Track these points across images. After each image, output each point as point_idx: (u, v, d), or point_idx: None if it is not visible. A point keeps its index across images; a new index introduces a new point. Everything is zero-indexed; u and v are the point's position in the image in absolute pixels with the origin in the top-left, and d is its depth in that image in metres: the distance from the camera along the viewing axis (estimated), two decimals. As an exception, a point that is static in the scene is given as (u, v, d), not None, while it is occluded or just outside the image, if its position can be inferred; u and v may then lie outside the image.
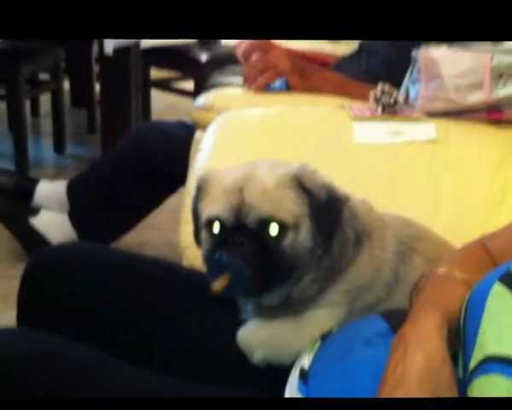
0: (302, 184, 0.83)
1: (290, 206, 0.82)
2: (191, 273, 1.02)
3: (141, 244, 2.31)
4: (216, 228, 0.83)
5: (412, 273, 0.87)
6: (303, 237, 0.83)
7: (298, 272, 0.85)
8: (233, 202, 0.82)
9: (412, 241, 0.91)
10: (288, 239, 0.82)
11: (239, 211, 0.81)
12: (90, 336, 0.92)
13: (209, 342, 0.93)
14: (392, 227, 0.91)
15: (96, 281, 0.96)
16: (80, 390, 0.79)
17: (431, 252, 0.91)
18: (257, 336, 0.88)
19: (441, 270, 0.80)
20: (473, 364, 0.66)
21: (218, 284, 0.81)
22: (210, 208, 0.84)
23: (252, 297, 0.88)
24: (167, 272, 1.00)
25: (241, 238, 0.81)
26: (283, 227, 0.81)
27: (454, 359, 0.70)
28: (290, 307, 0.87)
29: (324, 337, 0.86)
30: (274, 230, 0.81)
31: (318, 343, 0.85)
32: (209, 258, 0.84)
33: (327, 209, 0.83)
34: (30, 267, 0.99)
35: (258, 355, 0.87)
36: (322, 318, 0.87)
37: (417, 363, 0.67)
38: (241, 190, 0.82)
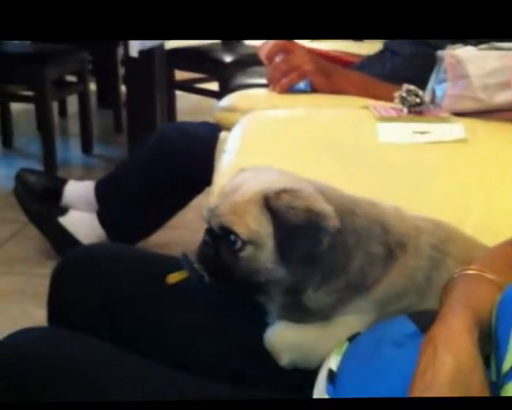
0: (269, 205, 0.81)
1: (250, 223, 0.81)
2: None
3: (168, 243, 2.31)
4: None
5: (445, 277, 0.83)
6: (264, 256, 0.81)
7: (275, 287, 0.84)
8: (211, 205, 0.84)
9: (445, 244, 0.88)
10: (246, 253, 0.81)
11: (213, 213, 0.83)
12: (118, 337, 0.92)
13: (236, 343, 0.92)
14: (425, 233, 0.88)
15: (124, 282, 0.96)
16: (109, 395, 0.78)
17: (464, 253, 0.88)
18: (284, 339, 0.87)
19: (471, 271, 0.77)
20: (505, 367, 0.64)
21: (174, 277, 0.90)
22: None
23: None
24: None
25: (208, 239, 0.84)
26: (240, 240, 0.81)
27: (486, 361, 0.69)
28: (314, 314, 0.85)
29: (352, 339, 0.84)
30: (231, 239, 0.82)
31: (346, 345, 0.83)
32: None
33: (296, 235, 0.80)
34: (58, 269, 0.99)
35: (285, 358, 0.86)
36: (351, 324, 0.85)
37: (447, 366, 0.65)
38: (224, 197, 0.84)
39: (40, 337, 0.87)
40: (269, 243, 0.81)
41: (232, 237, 0.81)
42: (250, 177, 0.85)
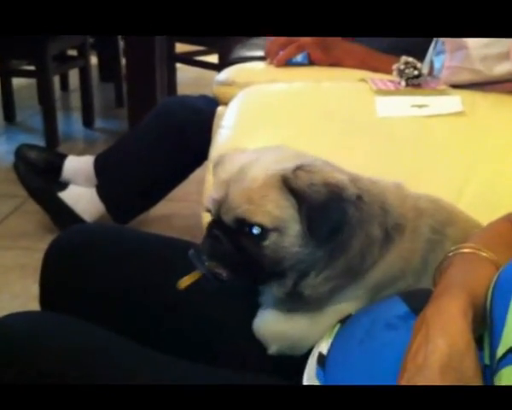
0: (290, 186, 0.75)
1: (271, 209, 0.75)
2: None
3: (168, 216, 2.29)
4: (208, 218, 0.80)
5: (442, 258, 0.82)
6: (289, 240, 0.76)
7: (292, 271, 0.79)
8: (217, 197, 0.77)
9: (444, 227, 0.84)
10: (270, 241, 0.76)
11: (220, 206, 0.77)
12: (109, 318, 0.89)
13: (226, 327, 0.89)
14: (425, 215, 0.84)
15: (122, 267, 0.93)
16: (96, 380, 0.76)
17: (462, 236, 0.83)
18: (272, 329, 0.83)
19: (466, 249, 0.74)
20: (501, 351, 0.61)
21: (185, 281, 0.78)
22: (206, 197, 0.80)
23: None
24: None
25: (218, 233, 0.77)
26: (262, 229, 0.75)
27: (479, 343, 0.66)
28: (307, 304, 0.82)
29: (343, 321, 0.81)
30: (252, 230, 0.76)
31: (337, 327, 0.80)
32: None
33: (324, 210, 0.75)
34: (51, 249, 0.97)
35: (273, 348, 0.83)
36: (341, 311, 0.81)
37: (440, 349, 0.62)
38: (228, 185, 0.77)
39: (30, 322, 0.84)
40: (293, 226, 0.75)
41: (252, 227, 0.75)
42: (253, 160, 0.78)
